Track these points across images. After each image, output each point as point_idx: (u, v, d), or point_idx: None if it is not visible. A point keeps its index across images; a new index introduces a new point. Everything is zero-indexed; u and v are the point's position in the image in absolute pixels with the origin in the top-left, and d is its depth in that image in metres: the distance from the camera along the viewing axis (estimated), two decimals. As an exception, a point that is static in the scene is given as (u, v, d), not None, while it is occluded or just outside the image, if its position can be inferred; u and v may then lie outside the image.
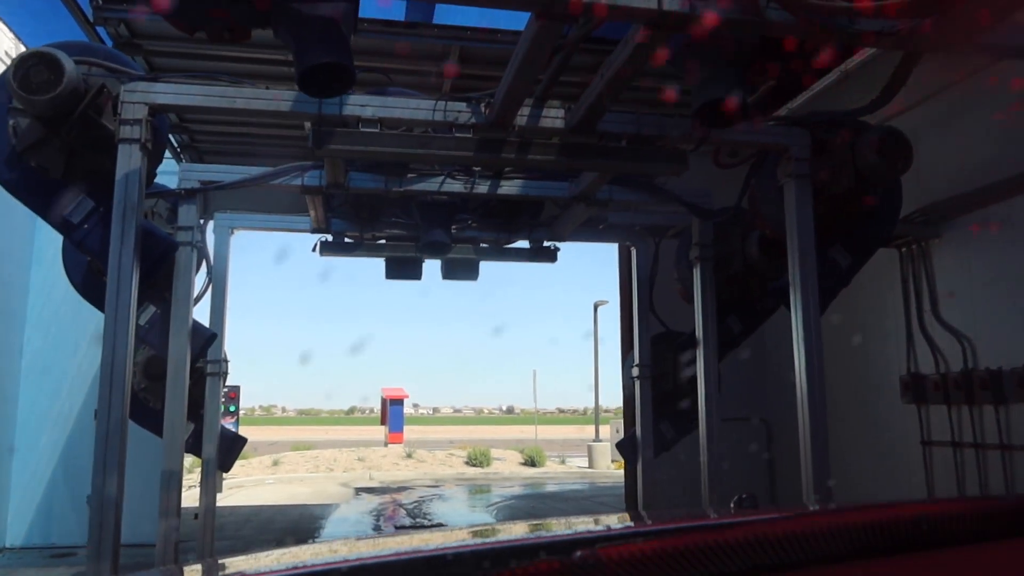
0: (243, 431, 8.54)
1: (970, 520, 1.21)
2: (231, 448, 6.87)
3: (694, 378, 6.24)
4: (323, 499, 15.64)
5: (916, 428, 6.99)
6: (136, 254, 4.07)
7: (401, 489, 17.92)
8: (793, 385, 4.70)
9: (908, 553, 1.07)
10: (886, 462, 7.46)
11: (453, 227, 6.77)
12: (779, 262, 5.14)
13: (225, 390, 7.76)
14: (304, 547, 1.52)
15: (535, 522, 3.31)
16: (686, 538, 1.02)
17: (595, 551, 0.91)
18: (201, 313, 6.35)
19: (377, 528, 12.35)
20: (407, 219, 6.80)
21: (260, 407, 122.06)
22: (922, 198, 6.63)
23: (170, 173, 5.99)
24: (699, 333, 6.14)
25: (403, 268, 7.49)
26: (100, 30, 6.07)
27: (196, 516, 6.71)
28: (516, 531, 1.64)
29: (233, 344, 23.56)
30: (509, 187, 6.03)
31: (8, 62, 5.28)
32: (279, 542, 9.66)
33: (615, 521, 1.93)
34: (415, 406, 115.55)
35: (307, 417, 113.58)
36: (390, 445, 29.78)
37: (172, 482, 5.45)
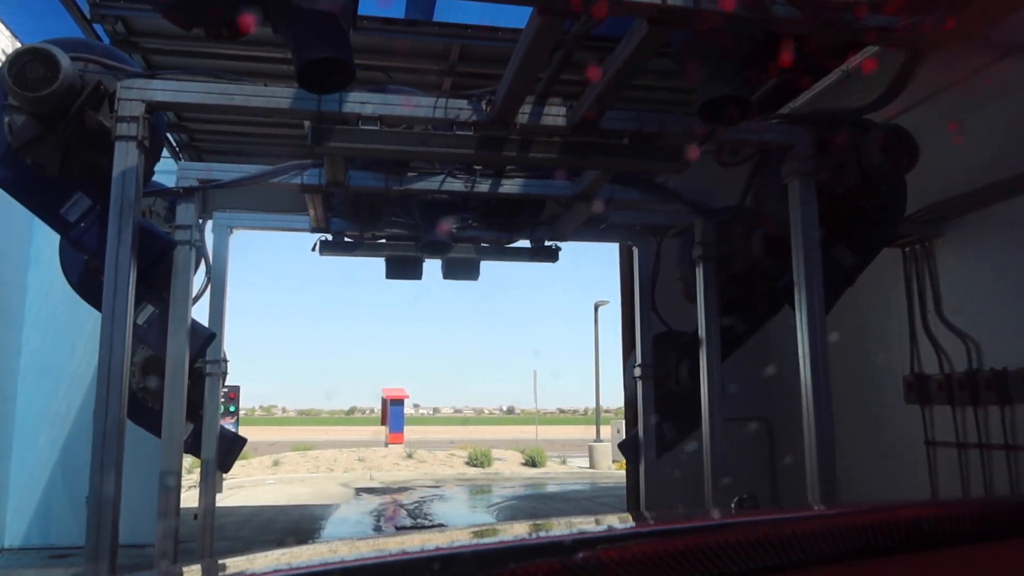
0: (243, 431, 8.54)
1: (970, 520, 1.21)
2: (231, 448, 6.85)
3: (696, 378, 6.22)
4: (323, 499, 15.63)
5: (918, 428, 6.96)
6: (133, 253, 4.03)
7: (402, 489, 17.91)
8: (796, 385, 4.67)
9: (908, 553, 1.07)
10: (887, 462, 7.43)
11: (453, 226, 6.74)
12: (783, 261, 5.10)
13: (224, 390, 7.75)
14: (304, 547, 1.50)
15: (536, 522, 3.30)
16: (687, 539, 1.03)
17: (597, 552, 0.91)
18: (200, 313, 6.34)
19: (378, 528, 12.33)
20: (407, 218, 6.77)
21: (260, 407, 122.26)
22: (923, 198, 6.60)
23: (169, 172, 5.96)
24: (702, 333, 6.11)
25: (403, 268, 7.46)
26: (97, 27, 6.03)
27: (195, 517, 6.69)
28: (517, 531, 1.61)
29: (232, 344, 23.60)
30: (510, 186, 6.00)
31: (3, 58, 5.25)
32: (279, 542, 9.64)
33: (616, 521, 1.93)
34: (415, 406, 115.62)
35: (307, 417, 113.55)
36: (390, 445, 29.79)
37: (171, 482, 5.42)
